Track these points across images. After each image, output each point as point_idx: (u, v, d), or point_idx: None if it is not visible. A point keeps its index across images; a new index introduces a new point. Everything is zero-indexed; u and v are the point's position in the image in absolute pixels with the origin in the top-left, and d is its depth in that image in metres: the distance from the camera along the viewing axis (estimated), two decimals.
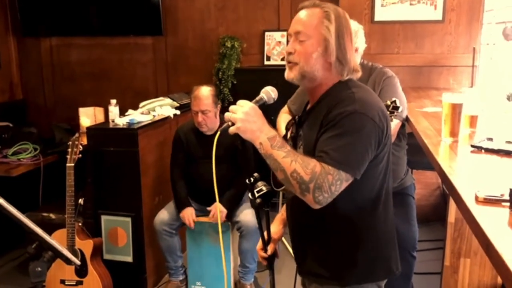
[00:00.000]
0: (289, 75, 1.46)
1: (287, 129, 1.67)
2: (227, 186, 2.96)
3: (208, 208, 2.99)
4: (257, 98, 1.47)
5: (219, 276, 3.04)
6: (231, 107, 1.38)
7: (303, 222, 1.53)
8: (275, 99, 1.50)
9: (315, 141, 1.39)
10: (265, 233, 1.65)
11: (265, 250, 1.67)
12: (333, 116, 1.35)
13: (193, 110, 2.96)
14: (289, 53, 1.45)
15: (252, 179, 1.50)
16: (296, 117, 1.61)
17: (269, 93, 1.49)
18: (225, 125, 1.39)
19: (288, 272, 2.59)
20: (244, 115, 1.35)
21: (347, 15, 1.47)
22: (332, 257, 1.50)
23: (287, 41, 1.49)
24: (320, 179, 1.28)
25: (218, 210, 2.50)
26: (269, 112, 1.42)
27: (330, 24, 1.40)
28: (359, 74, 1.48)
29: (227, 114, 1.38)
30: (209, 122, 2.95)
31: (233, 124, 1.36)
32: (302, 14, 1.44)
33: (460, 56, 3.90)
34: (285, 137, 1.65)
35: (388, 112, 1.51)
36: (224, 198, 2.96)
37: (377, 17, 3.98)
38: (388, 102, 1.78)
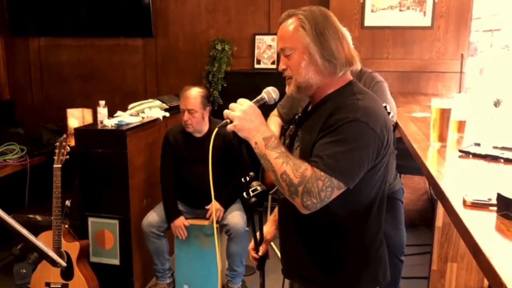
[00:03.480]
0: (288, 90, 1.49)
1: (284, 128, 1.67)
2: (218, 188, 2.94)
3: (207, 207, 2.98)
4: (258, 97, 1.48)
5: (206, 279, 3.03)
6: (231, 105, 1.39)
7: (294, 223, 1.52)
8: (276, 100, 1.51)
9: (313, 144, 1.37)
10: (258, 234, 1.64)
11: (257, 251, 1.66)
12: (333, 121, 1.33)
13: (181, 109, 2.99)
14: (283, 70, 1.46)
15: (247, 178, 1.49)
16: (296, 116, 1.60)
17: (270, 93, 1.49)
18: (223, 122, 1.41)
19: (277, 276, 2.57)
20: (242, 114, 1.36)
21: (328, 11, 1.45)
22: (320, 261, 1.49)
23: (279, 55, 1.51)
24: (310, 183, 1.27)
25: (214, 211, 2.48)
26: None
27: (305, 30, 1.39)
28: (357, 64, 1.47)
29: (226, 112, 1.39)
30: (194, 122, 2.95)
31: (231, 121, 1.37)
32: (281, 29, 1.45)
33: (449, 62, 3.94)
34: (282, 136, 1.65)
35: None
36: (222, 197, 2.95)
37: (367, 23, 4.01)
38: None
